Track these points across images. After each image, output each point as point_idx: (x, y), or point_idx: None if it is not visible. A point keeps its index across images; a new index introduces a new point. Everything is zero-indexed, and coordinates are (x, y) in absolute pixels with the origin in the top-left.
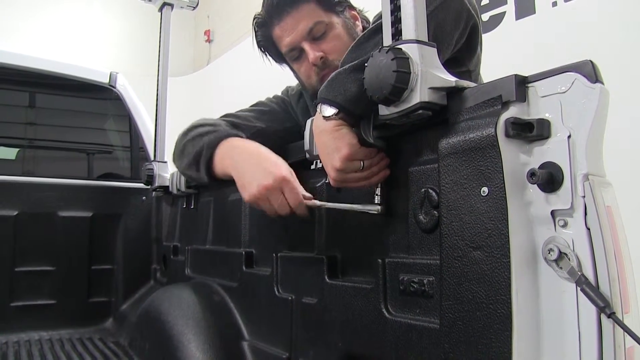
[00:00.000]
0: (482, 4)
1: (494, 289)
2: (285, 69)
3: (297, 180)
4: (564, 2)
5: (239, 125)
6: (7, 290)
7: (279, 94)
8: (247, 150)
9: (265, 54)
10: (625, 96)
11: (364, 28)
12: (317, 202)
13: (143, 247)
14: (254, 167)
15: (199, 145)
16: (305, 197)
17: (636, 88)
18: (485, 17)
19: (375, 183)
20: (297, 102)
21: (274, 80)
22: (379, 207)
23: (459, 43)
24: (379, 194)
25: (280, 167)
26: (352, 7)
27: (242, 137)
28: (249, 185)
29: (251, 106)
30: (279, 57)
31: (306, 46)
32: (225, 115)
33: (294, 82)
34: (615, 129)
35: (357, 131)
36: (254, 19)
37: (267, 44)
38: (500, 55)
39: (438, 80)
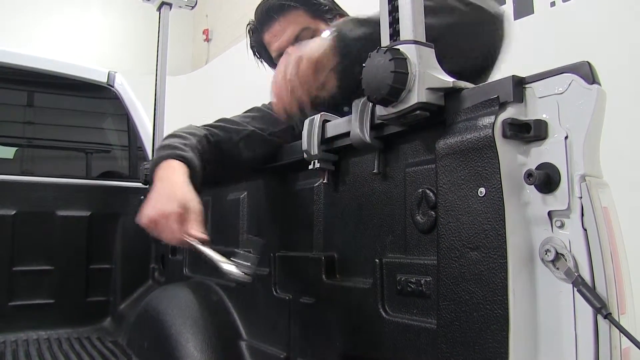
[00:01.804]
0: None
1: (491, 289)
2: None
3: (198, 218)
4: (562, 2)
5: (228, 129)
6: (5, 289)
7: None
8: (169, 175)
9: (260, 59)
10: (623, 97)
11: None
12: (196, 245)
13: (141, 247)
14: (162, 192)
15: (154, 158)
16: (191, 235)
17: (634, 88)
18: None
19: None
20: None
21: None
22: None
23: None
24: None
25: (188, 197)
26: (342, 15)
27: (185, 157)
28: (150, 209)
29: (245, 111)
30: (271, 62)
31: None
32: (218, 120)
33: None
34: (613, 130)
35: None
36: (247, 24)
37: (260, 49)
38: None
39: (436, 81)
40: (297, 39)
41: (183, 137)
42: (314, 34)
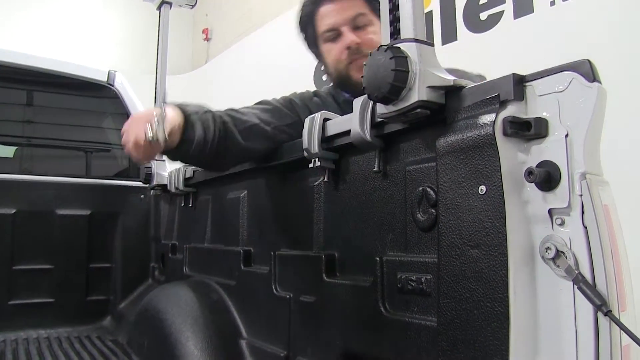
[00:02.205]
0: (480, 2)
1: (492, 287)
2: (293, 62)
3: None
4: (562, 1)
5: (233, 117)
6: (5, 288)
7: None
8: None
9: (302, 33)
10: (623, 95)
11: None
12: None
13: (141, 246)
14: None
15: None
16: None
17: (635, 87)
18: (483, 16)
19: None
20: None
21: (271, 79)
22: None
23: None
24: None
25: (159, 109)
26: None
27: (177, 104)
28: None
29: (255, 103)
30: (312, 40)
31: (345, 30)
32: (226, 109)
33: (289, 84)
34: (614, 128)
35: None
36: None
37: (307, 23)
38: (498, 54)
39: (436, 79)
40: (352, 21)
41: (185, 103)
42: (368, 22)
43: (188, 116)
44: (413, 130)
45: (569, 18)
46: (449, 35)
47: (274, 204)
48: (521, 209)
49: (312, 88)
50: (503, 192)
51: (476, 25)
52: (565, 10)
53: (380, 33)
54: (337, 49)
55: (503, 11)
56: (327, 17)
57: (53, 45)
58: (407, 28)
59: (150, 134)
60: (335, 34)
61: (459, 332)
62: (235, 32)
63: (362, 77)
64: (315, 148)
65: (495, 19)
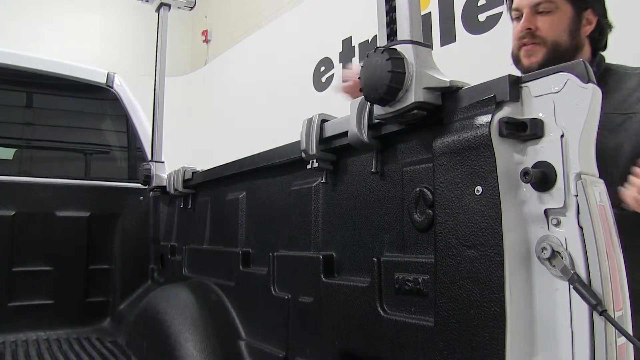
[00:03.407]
0: (479, 4)
1: (488, 287)
2: (292, 63)
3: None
4: None
5: None
6: (4, 290)
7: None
8: None
9: (507, 3)
10: None
11: (591, 37)
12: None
13: (140, 247)
14: None
15: None
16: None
17: None
18: (482, 17)
19: None
20: None
21: (271, 80)
22: None
23: None
24: None
25: None
26: (595, 13)
27: None
28: None
29: None
30: (509, 10)
31: (526, 12)
32: None
33: (288, 85)
34: None
35: None
36: None
37: None
38: (496, 56)
39: (433, 81)
40: (535, 5)
41: None
42: (553, 9)
43: None
44: (410, 131)
45: None
46: (448, 37)
47: (272, 205)
48: (517, 210)
49: (311, 90)
50: (499, 193)
51: (475, 27)
52: None
53: (565, 22)
54: (516, 29)
55: (502, 12)
56: None
57: (52, 47)
58: (403, 30)
59: None
60: (518, 14)
61: (456, 332)
62: (235, 34)
63: (529, 61)
64: (313, 149)
65: (493, 20)
